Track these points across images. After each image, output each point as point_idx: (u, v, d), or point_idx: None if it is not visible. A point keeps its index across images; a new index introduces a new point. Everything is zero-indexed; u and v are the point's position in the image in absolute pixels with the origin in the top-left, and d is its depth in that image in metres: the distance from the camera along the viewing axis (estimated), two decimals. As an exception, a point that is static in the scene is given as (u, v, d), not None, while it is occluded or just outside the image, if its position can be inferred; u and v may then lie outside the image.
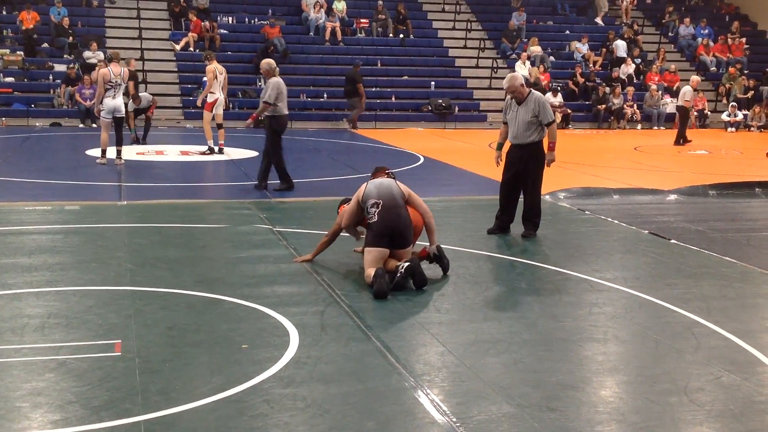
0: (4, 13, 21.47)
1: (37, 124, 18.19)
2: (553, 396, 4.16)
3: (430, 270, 6.47)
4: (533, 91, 8.04)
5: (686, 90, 18.66)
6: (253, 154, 13.86)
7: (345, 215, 6.52)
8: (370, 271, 5.94)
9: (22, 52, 20.11)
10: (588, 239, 8.26)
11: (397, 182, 6.52)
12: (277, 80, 10.20)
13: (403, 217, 6.22)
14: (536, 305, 5.82)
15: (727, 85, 24.04)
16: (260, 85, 18.92)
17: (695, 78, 19.74)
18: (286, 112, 10.28)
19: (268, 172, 10.39)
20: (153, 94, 19.59)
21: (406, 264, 5.97)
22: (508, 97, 8.06)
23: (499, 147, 8.31)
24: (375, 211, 6.18)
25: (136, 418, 3.74)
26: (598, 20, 26.25)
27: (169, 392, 4.06)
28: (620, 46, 24.22)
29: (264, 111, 10.19)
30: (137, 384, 4.14)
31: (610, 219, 9.08)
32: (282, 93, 10.11)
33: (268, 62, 10.45)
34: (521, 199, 8.22)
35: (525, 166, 8.00)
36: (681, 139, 18.25)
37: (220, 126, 14.11)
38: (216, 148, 13.90)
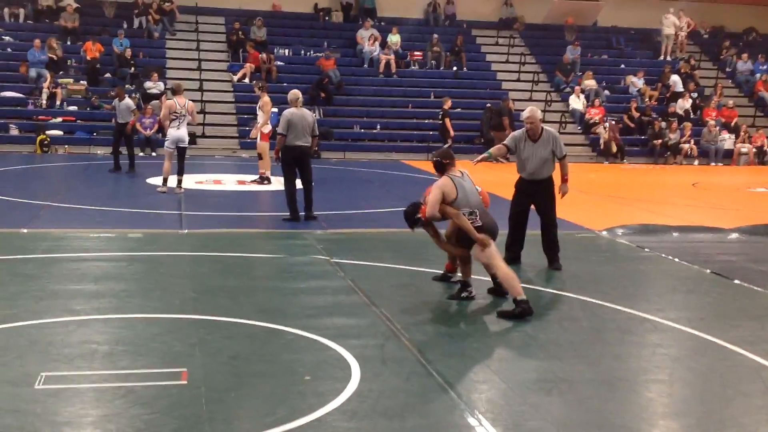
0: (69, 43, 22.16)
1: (99, 152, 18.66)
2: (619, 438, 4.11)
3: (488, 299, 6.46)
4: (546, 127, 8.12)
5: None
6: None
7: (430, 206, 6.54)
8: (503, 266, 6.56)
9: (85, 82, 20.72)
10: (649, 277, 8.14)
11: (470, 178, 6.83)
12: (290, 111, 10.24)
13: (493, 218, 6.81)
14: (599, 344, 5.75)
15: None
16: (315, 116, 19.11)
17: None
18: (297, 143, 10.16)
19: (310, 200, 10.51)
20: (207, 124, 20.05)
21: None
22: (521, 131, 8.08)
23: (488, 157, 8.19)
24: (475, 218, 6.57)
25: (204, 448, 3.80)
26: (665, 57, 26.00)
27: (234, 421, 4.11)
28: (677, 81, 23.96)
29: (281, 143, 10.23)
30: (204, 413, 4.20)
31: (670, 257, 8.94)
32: (294, 124, 10.11)
33: (292, 92, 10.60)
34: (531, 231, 8.37)
35: (539, 199, 8.20)
36: None
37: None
38: (271, 178, 14.05)
